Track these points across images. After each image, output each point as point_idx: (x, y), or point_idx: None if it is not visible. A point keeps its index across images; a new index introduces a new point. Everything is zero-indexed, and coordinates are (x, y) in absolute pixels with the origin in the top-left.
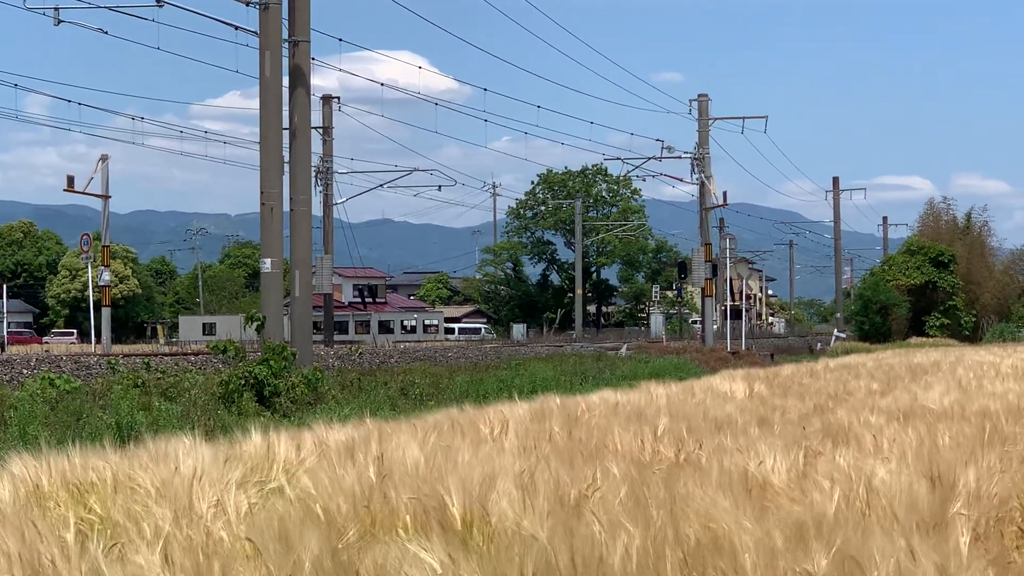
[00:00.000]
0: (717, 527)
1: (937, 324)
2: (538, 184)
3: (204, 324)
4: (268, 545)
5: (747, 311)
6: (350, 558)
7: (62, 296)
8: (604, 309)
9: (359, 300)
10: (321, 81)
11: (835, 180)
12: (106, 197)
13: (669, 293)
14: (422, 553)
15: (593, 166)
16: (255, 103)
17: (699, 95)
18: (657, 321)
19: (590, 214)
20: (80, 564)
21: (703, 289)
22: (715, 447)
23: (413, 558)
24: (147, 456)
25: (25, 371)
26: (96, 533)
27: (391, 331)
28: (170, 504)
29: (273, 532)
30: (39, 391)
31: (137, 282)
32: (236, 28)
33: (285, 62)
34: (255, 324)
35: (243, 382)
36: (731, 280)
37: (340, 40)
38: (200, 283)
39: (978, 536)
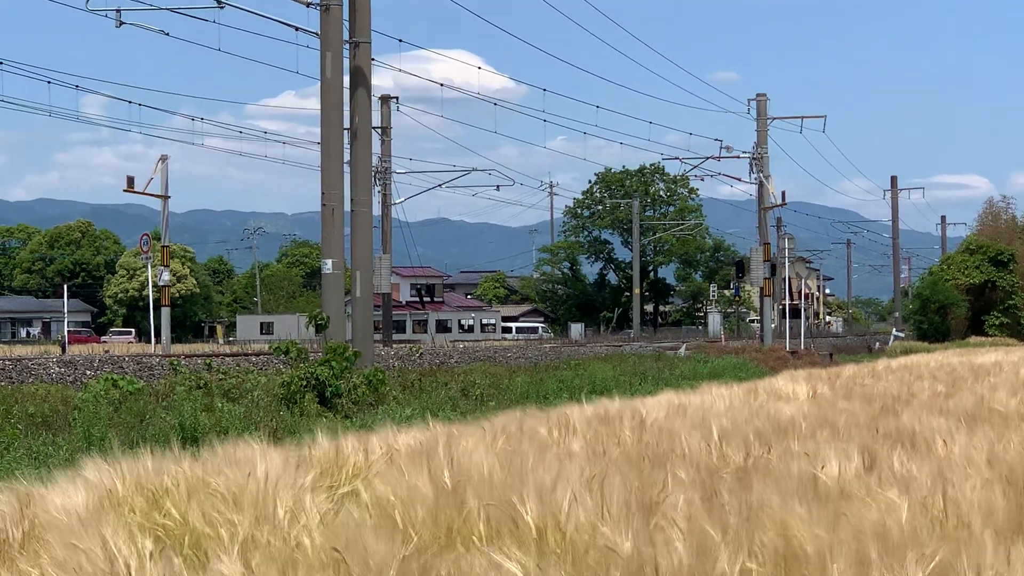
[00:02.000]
0: (792, 535)
1: (996, 323)
2: (595, 183)
3: (262, 323)
4: (351, 553)
5: (805, 310)
6: (432, 566)
7: (120, 296)
8: (661, 308)
9: (417, 299)
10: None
11: (893, 179)
12: (166, 197)
13: (726, 292)
14: (506, 562)
15: (651, 165)
16: (310, 103)
17: (757, 95)
18: (715, 320)
19: (647, 213)
20: (164, 571)
21: (762, 288)
22: (783, 451)
23: (496, 566)
24: (219, 460)
25: (88, 372)
26: (174, 540)
27: (449, 330)
28: (247, 510)
29: (353, 539)
30: (103, 392)
31: (195, 281)
32: (296, 29)
33: (345, 63)
34: (317, 324)
35: (305, 383)
36: (789, 279)
37: (400, 41)
38: (257, 282)
39: None
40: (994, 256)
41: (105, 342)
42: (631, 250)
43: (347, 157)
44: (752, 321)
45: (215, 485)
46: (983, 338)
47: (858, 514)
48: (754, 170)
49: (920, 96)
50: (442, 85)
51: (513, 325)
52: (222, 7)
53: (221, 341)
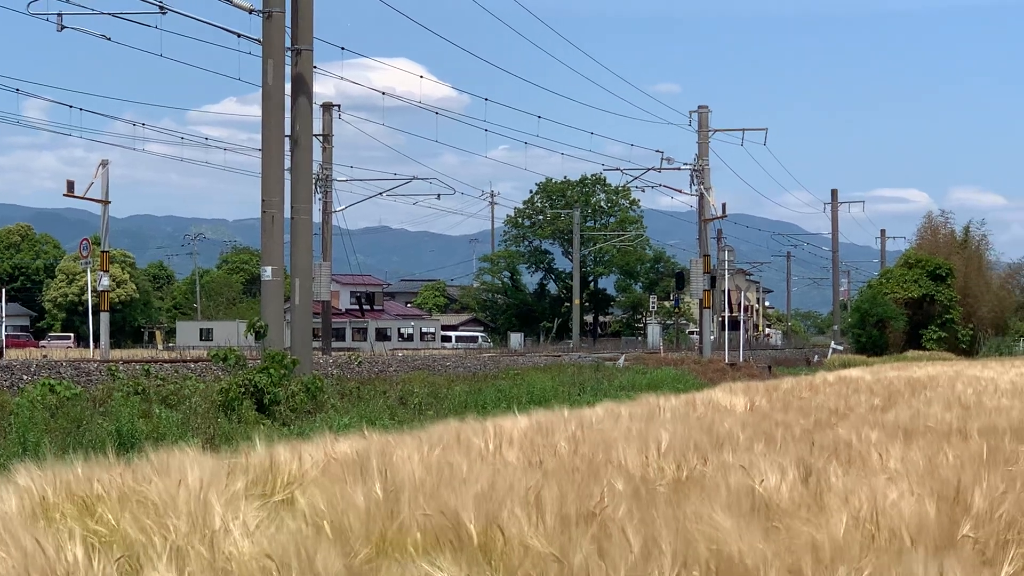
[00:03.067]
0: (726, 548)
1: (934, 337)
2: (537, 193)
3: (201, 330)
4: (289, 562)
5: (744, 322)
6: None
7: (59, 300)
8: (601, 319)
9: (356, 307)
10: (319, 88)
11: (833, 192)
12: (106, 202)
13: (666, 303)
14: (436, 573)
15: (592, 176)
16: (252, 110)
17: (699, 107)
18: (654, 331)
19: (588, 224)
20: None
21: (701, 300)
22: (719, 464)
23: None
24: (151, 467)
25: (25, 377)
26: (106, 547)
27: (388, 338)
28: (181, 518)
29: (288, 549)
30: (39, 397)
31: (135, 287)
32: (239, 36)
33: (287, 70)
34: (256, 331)
35: (243, 390)
36: (729, 291)
37: (342, 48)
38: (198, 288)
39: (986, 560)
40: (932, 270)
41: (43, 347)
42: (571, 260)
43: (288, 164)
44: (691, 333)
45: (147, 492)
46: (921, 352)
47: (793, 527)
48: (695, 182)
49: (861, 110)
50: (384, 93)
51: (453, 334)
52: (164, 13)
53: (160, 347)
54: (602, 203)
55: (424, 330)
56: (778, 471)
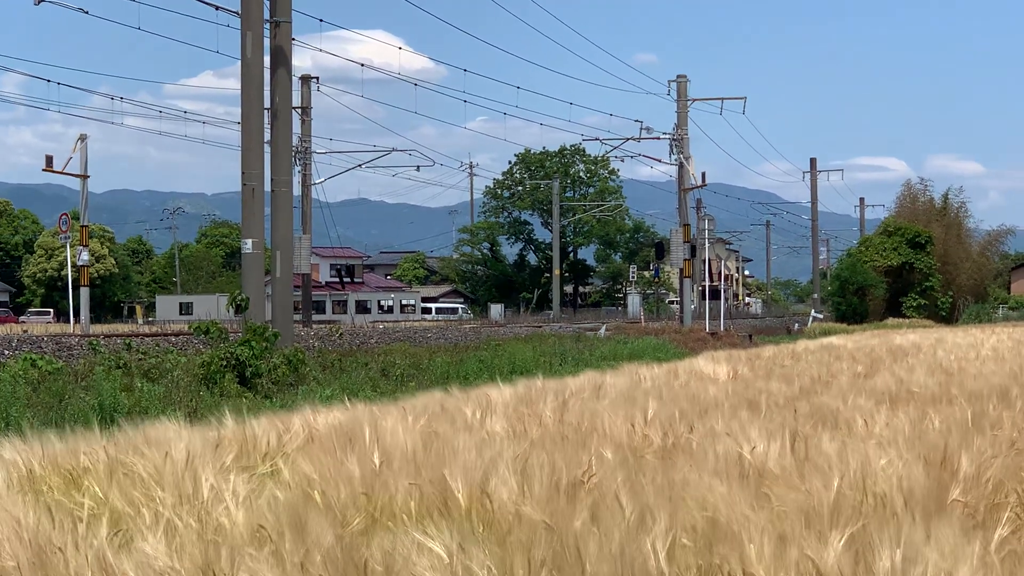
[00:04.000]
0: (715, 514)
1: (914, 305)
2: (515, 164)
3: (181, 304)
4: (281, 531)
5: (724, 291)
6: (359, 545)
7: (38, 276)
8: (581, 289)
9: (336, 280)
10: (298, 61)
11: (812, 161)
12: (85, 177)
13: (646, 273)
14: (428, 542)
15: (571, 146)
16: (229, 83)
17: (678, 76)
18: (635, 301)
19: (567, 194)
20: (86, 552)
21: (681, 270)
22: (706, 431)
23: (419, 546)
24: (138, 440)
25: (6, 352)
26: (95, 519)
27: (368, 311)
28: (169, 490)
29: (278, 519)
30: (21, 372)
31: (114, 261)
32: (217, 8)
33: (266, 42)
34: (236, 305)
35: (225, 363)
36: (709, 260)
37: (321, 21)
38: (177, 263)
39: (976, 524)
40: (912, 238)
41: (23, 322)
42: (551, 231)
43: (267, 137)
44: (672, 302)
45: (134, 465)
46: (901, 320)
47: (782, 493)
48: (674, 151)
49: (839, 79)
50: (363, 66)
51: (433, 306)
52: None
53: (141, 321)
54: (581, 173)
55: (404, 302)
56: (765, 437)
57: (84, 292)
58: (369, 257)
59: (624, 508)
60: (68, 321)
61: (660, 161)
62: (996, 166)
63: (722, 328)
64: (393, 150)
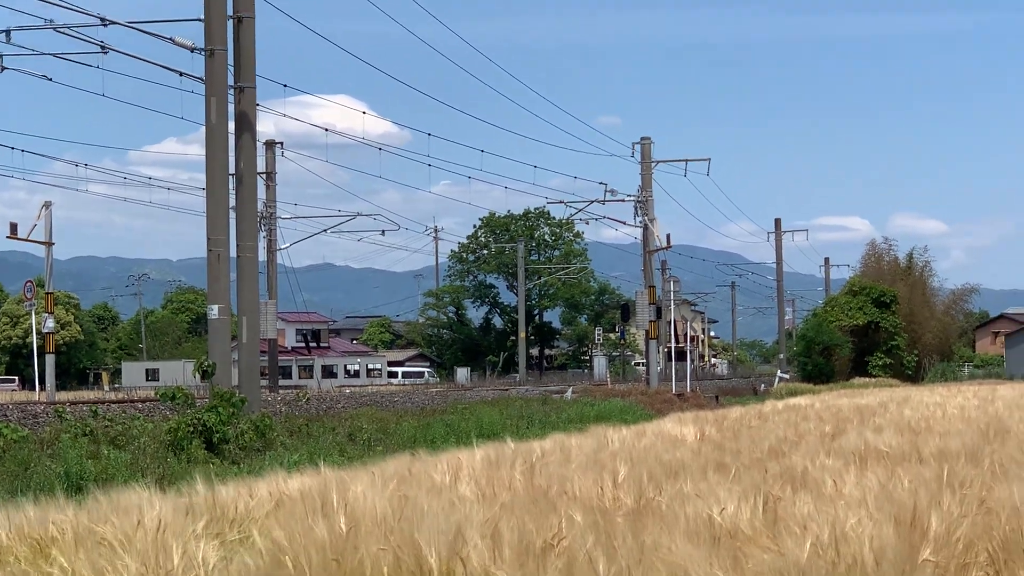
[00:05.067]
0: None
1: (880, 364)
2: (480, 228)
3: (147, 370)
4: None
5: (690, 352)
6: None
7: (3, 343)
8: (547, 352)
9: (303, 345)
10: (262, 127)
11: (777, 221)
12: (49, 244)
13: (612, 335)
14: None
15: (536, 209)
16: (194, 149)
17: (642, 138)
18: (600, 363)
19: (533, 257)
20: None
21: (647, 331)
22: (675, 493)
23: None
24: (106, 507)
25: None
26: None
27: (335, 375)
28: (138, 558)
29: None
30: None
31: (79, 328)
32: (181, 75)
33: (230, 108)
34: (203, 371)
35: (192, 429)
36: (675, 322)
37: (285, 86)
38: (143, 329)
39: None
40: (877, 297)
41: None
42: (516, 294)
43: (232, 203)
44: (638, 364)
45: (103, 533)
46: (867, 379)
47: (754, 554)
48: (639, 213)
49: (803, 140)
50: (327, 130)
51: (399, 370)
52: (106, 52)
53: (107, 388)
54: (546, 236)
55: (371, 366)
56: (735, 499)
57: (50, 359)
58: (335, 322)
59: (597, 571)
60: (34, 388)
61: (625, 223)
62: (958, 223)
63: (688, 389)
64: (358, 215)
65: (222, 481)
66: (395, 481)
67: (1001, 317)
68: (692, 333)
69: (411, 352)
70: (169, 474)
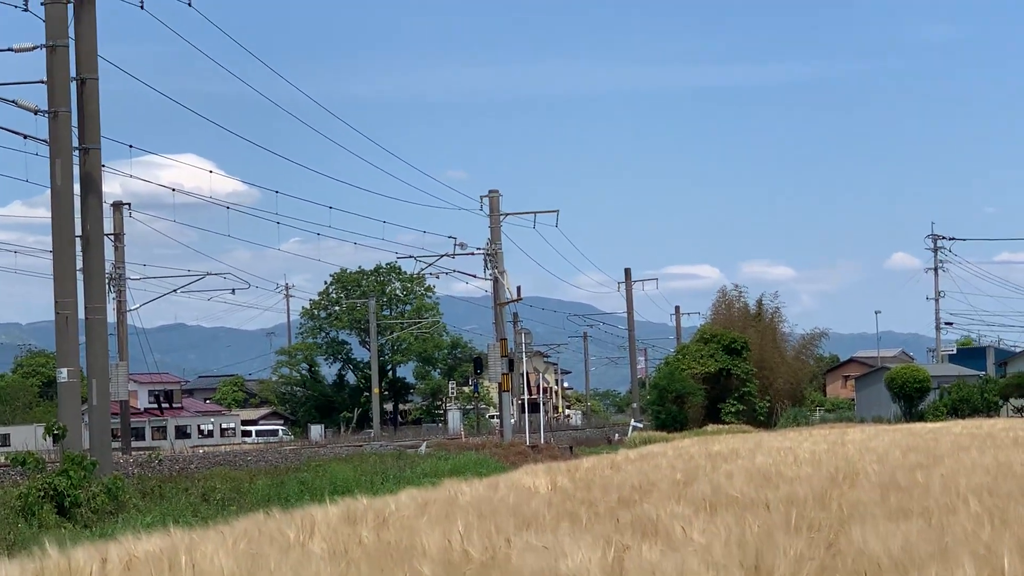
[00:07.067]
0: None
1: (733, 411)
2: (331, 284)
3: None
4: None
5: (544, 404)
6: None
7: None
8: (402, 407)
9: (155, 406)
10: (108, 188)
11: (627, 271)
12: None
13: (466, 389)
14: None
15: (386, 265)
16: (40, 212)
17: (490, 191)
18: (455, 417)
19: (384, 312)
20: None
21: (500, 384)
22: (524, 545)
23: None
24: None
25: None
26: None
27: (188, 436)
28: None
29: None
30: None
31: None
32: (25, 137)
33: (76, 170)
34: (54, 434)
35: (43, 494)
36: (527, 374)
37: (131, 147)
38: None
39: None
40: (728, 344)
41: None
42: (369, 350)
43: (80, 264)
44: (492, 417)
45: None
46: (720, 426)
47: None
48: (489, 266)
49: (649, 190)
50: (174, 190)
51: (253, 428)
52: None
53: None
54: (397, 291)
55: (224, 426)
56: (583, 549)
57: None
58: (188, 382)
59: None
60: None
61: (475, 276)
62: (806, 269)
63: (543, 441)
64: (207, 274)
65: (74, 545)
66: (245, 540)
67: (851, 361)
68: (545, 384)
69: (265, 410)
70: (20, 540)
